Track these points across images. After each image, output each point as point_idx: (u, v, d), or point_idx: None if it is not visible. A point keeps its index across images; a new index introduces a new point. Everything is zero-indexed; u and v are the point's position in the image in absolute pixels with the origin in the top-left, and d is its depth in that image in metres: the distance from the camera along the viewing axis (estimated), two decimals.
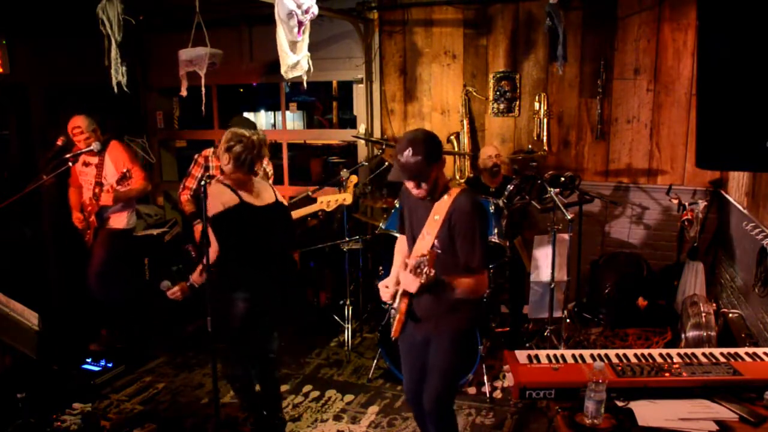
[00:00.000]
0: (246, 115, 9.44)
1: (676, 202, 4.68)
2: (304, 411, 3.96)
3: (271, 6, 3.85)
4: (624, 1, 4.85)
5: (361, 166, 5.52)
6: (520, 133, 5.34)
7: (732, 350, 2.58)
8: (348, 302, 4.72)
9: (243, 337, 3.32)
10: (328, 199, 4.48)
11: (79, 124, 4.52)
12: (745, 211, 4.06)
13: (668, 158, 4.96)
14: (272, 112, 11.10)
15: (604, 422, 2.12)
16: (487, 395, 4.00)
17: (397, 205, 3.82)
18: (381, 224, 4.48)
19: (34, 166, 5.18)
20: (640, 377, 2.34)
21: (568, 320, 4.62)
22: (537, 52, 5.16)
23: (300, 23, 3.91)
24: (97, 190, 4.57)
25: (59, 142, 4.48)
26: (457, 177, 5.47)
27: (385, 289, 2.79)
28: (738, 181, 4.40)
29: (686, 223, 4.60)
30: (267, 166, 4.42)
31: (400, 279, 2.67)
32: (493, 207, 4.23)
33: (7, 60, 5.11)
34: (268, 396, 3.52)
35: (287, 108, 6.40)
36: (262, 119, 11.62)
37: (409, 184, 2.66)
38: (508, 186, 4.47)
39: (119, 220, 4.72)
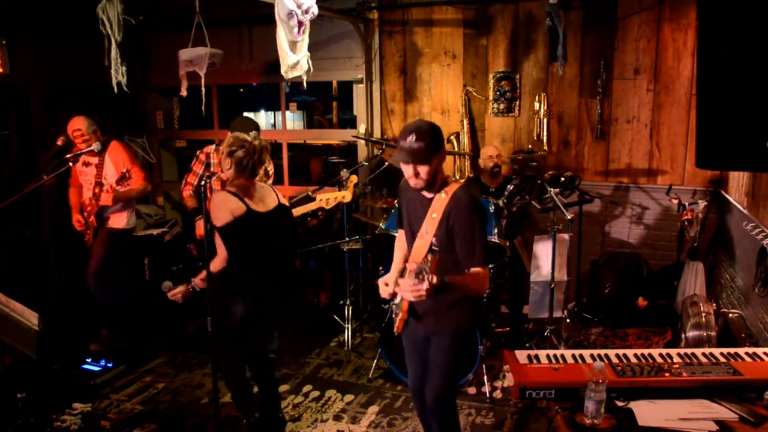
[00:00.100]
0: (246, 115, 9.45)
1: (676, 202, 4.68)
2: (304, 411, 3.96)
3: (271, 6, 3.86)
4: (624, 1, 4.85)
5: (361, 166, 5.52)
6: (520, 133, 5.34)
7: (732, 350, 2.57)
8: (348, 302, 4.72)
9: (243, 337, 3.32)
10: (327, 197, 4.48)
11: (79, 126, 4.51)
12: (745, 211, 4.06)
13: (668, 158, 4.96)
14: (272, 112, 11.10)
15: (604, 422, 2.12)
16: (487, 395, 4.00)
17: (397, 204, 3.82)
18: (381, 224, 4.49)
19: (34, 166, 5.19)
20: (640, 377, 2.34)
21: (568, 320, 4.62)
22: (537, 52, 5.16)
23: (300, 23, 3.91)
24: (97, 190, 4.57)
25: (59, 142, 4.49)
26: (457, 177, 5.48)
27: (385, 286, 2.78)
28: (738, 181, 4.40)
29: (686, 223, 4.60)
30: (268, 165, 4.42)
31: (401, 285, 2.65)
32: (493, 207, 4.23)
33: (7, 60, 5.12)
34: (267, 396, 3.51)
35: (287, 108, 6.41)
36: (262, 119, 11.62)
37: (408, 172, 2.62)
38: (508, 186, 4.48)
39: (119, 220, 4.73)
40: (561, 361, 2.51)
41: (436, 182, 2.67)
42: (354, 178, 4.84)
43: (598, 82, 4.98)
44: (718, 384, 2.30)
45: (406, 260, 2.87)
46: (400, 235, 3.03)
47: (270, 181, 4.28)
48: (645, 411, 2.17)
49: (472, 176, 5.22)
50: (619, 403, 2.21)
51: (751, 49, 2.02)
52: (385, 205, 4.96)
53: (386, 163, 5.23)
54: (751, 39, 2.01)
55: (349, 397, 4.11)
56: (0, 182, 5.34)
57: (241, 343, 3.34)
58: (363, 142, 5.73)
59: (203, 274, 3.17)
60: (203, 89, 4.04)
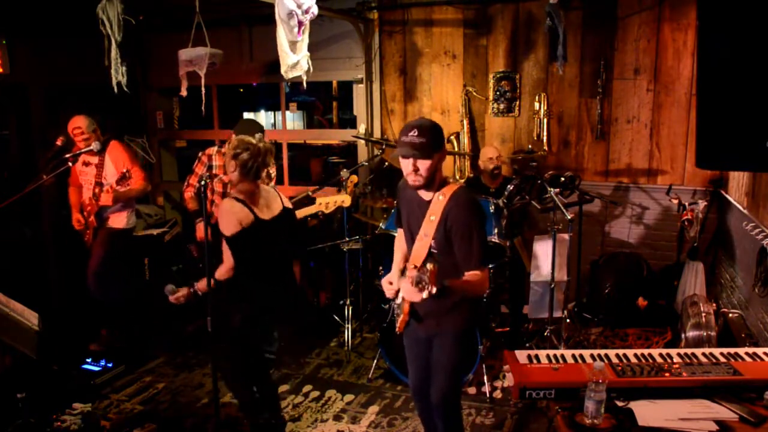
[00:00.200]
0: (246, 115, 9.46)
1: (676, 202, 4.68)
2: (304, 411, 3.96)
3: (271, 6, 3.86)
4: (624, 1, 4.85)
5: (361, 166, 5.52)
6: (520, 133, 5.34)
7: (732, 350, 2.57)
8: (348, 302, 4.72)
9: (243, 338, 3.31)
10: (327, 201, 4.46)
11: (79, 124, 4.52)
12: (745, 211, 4.06)
13: (668, 158, 4.96)
14: (272, 112, 11.09)
15: (604, 422, 2.12)
16: (487, 395, 4.00)
17: (396, 204, 3.82)
18: (381, 224, 4.49)
19: (34, 166, 5.19)
20: (640, 377, 2.34)
21: (568, 320, 4.62)
22: (537, 52, 5.16)
23: (300, 23, 3.91)
24: (96, 190, 4.57)
25: (59, 142, 4.49)
26: (457, 177, 5.48)
27: (389, 285, 2.78)
28: (738, 181, 4.40)
29: (686, 223, 4.60)
30: (270, 167, 4.42)
31: (401, 289, 2.65)
32: (493, 207, 4.23)
33: (7, 60, 5.12)
34: (265, 397, 3.51)
35: (287, 108, 6.41)
36: (262, 119, 11.61)
37: (408, 168, 2.60)
38: (508, 186, 4.47)
39: (119, 220, 4.73)
40: (561, 361, 2.51)
41: (435, 182, 2.66)
42: (354, 178, 4.84)
43: (598, 82, 4.98)
44: (718, 384, 2.30)
45: (406, 260, 2.87)
46: (399, 235, 3.02)
47: (272, 183, 4.28)
48: (645, 411, 2.17)
49: (472, 176, 5.22)
50: (619, 403, 2.21)
51: (751, 50, 2.02)
52: (385, 205, 4.96)
53: (386, 163, 5.24)
54: (751, 39, 2.01)
55: (349, 397, 4.11)
56: (0, 182, 5.34)
57: (240, 343, 3.34)
58: (363, 142, 5.73)
59: (205, 280, 3.17)
60: (203, 89, 4.04)
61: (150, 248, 5.38)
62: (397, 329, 2.85)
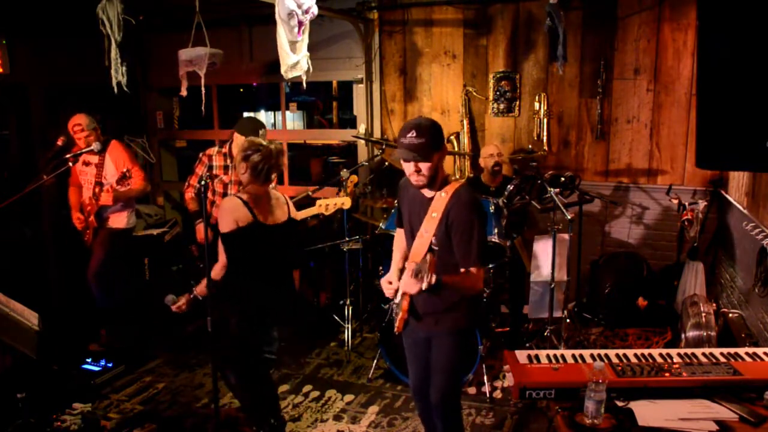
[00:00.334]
0: (246, 115, 9.45)
1: (676, 202, 4.68)
2: (304, 411, 3.96)
3: (271, 6, 3.85)
4: (624, 1, 4.85)
5: (361, 166, 5.52)
6: (520, 133, 5.34)
7: (732, 350, 2.57)
8: (348, 302, 4.72)
9: (241, 343, 3.31)
10: (327, 203, 4.44)
11: (79, 121, 4.52)
12: (745, 211, 4.06)
13: (668, 158, 4.96)
14: (272, 112, 11.09)
15: (604, 422, 2.12)
16: (487, 395, 4.00)
17: (396, 204, 3.82)
18: (381, 224, 4.48)
19: (34, 166, 5.19)
20: (640, 377, 2.34)
21: (568, 320, 4.62)
22: (537, 52, 5.16)
23: (300, 23, 3.91)
24: (96, 190, 4.57)
25: (59, 142, 4.49)
26: (457, 176, 5.48)
27: (388, 285, 2.78)
28: (738, 181, 4.40)
29: (686, 223, 4.60)
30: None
31: (400, 282, 2.66)
32: (493, 207, 4.23)
33: (7, 60, 5.12)
34: (265, 397, 3.51)
35: (287, 108, 6.41)
36: (262, 119, 11.59)
37: (409, 169, 2.62)
38: (508, 186, 4.47)
39: (119, 220, 4.73)
40: (561, 361, 2.51)
41: (437, 180, 2.67)
42: (354, 179, 4.84)
43: (598, 82, 4.98)
44: (718, 384, 2.30)
45: (405, 259, 2.87)
46: (398, 235, 3.03)
47: (273, 185, 4.28)
48: (645, 411, 2.17)
49: (472, 176, 5.22)
50: (619, 403, 2.21)
51: (751, 50, 2.02)
52: (385, 205, 4.96)
53: (386, 163, 5.23)
54: (751, 39, 2.01)
55: (349, 397, 4.11)
56: (0, 182, 5.34)
57: (240, 345, 3.33)
58: (363, 142, 5.73)
59: (204, 282, 3.17)
60: (203, 89, 4.03)
61: (150, 248, 5.38)
62: (395, 329, 2.84)
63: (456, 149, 5.41)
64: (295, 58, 4.01)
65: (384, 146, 5.11)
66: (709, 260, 4.82)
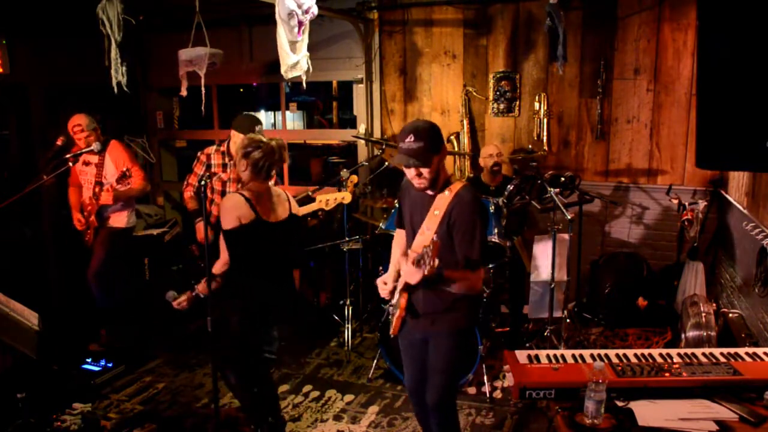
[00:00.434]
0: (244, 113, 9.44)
1: (676, 202, 4.68)
2: (304, 411, 3.96)
3: (271, 6, 3.86)
4: (624, 1, 4.85)
5: (361, 166, 5.52)
6: (520, 133, 5.34)
7: (732, 350, 2.57)
8: (348, 302, 4.72)
9: (242, 342, 3.31)
10: (327, 198, 4.47)
11: (79, 122, 4.52)
12: (745, 211, 4.06)
13: (668, 158, 4.96)
14: (272, 112, 11.09)
15: (604, 422, 2.12)
16: (487, 395, 4.00)
17: (397, 204, 3.82)
18: (381, 224, 4.49)
19: (34, 166, 5.19)
20: (640, 377, 2.34)
21: (568, 320, 4.62)
22: (537, 52, 5.16)
23: (300, 23, 3.91)
24: (97, 190, 4.57)
25: (59, 142, 4.49)
26: (457, 176, 5.48)
27: (384, 285, 2.78)
28: (738, 181, 4.40)
29: (686, 223, 4.60)
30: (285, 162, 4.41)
31: (401, 271, 2.65)
32: (493, 207, 4.23)
33: (7, 60, 5.12)
34: (265, 397, 3.51)
35: (287, 108, 6.41)
36: (263, 119, 11.58)
37: (410, 173, 2.63)
38: (508, 186, 4.47)
39: (119, 220, 4.73)
40: (561, 361, 2.51)
41: (439, 181, 2.68)
42: (354, 178, 4.84)
43: (598, 82, 4.98)
44: (718, 384, 2.30)
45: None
46: (397, 235, 3.02)
47: (272, 182, 4.28)
48: (645, 411, 2.17)
49: (472, 176, 5.22)
50: (619, 403, 2.21)
51: (751, 50, 2.02)
52: (385, 205, 4.96)
53: (386, 163, 5.23)
54: (751, 39, 2.01)
55: (349, 397, 4.11)
56: (0, 182, 5.34)
57: (240, 344, 3.33)
58: (363, 142, 5.73)
59: (206, 279, 3.17)
60: (203, 89, 4.03)
61: (150, 248, 5.38)
62: (391, 331, 2.83)
63: (456, 149, 5.41)
64: (295, 58, 4.01)
65: (384, 146, 5.11)
66: (709, 260, 4.82)
